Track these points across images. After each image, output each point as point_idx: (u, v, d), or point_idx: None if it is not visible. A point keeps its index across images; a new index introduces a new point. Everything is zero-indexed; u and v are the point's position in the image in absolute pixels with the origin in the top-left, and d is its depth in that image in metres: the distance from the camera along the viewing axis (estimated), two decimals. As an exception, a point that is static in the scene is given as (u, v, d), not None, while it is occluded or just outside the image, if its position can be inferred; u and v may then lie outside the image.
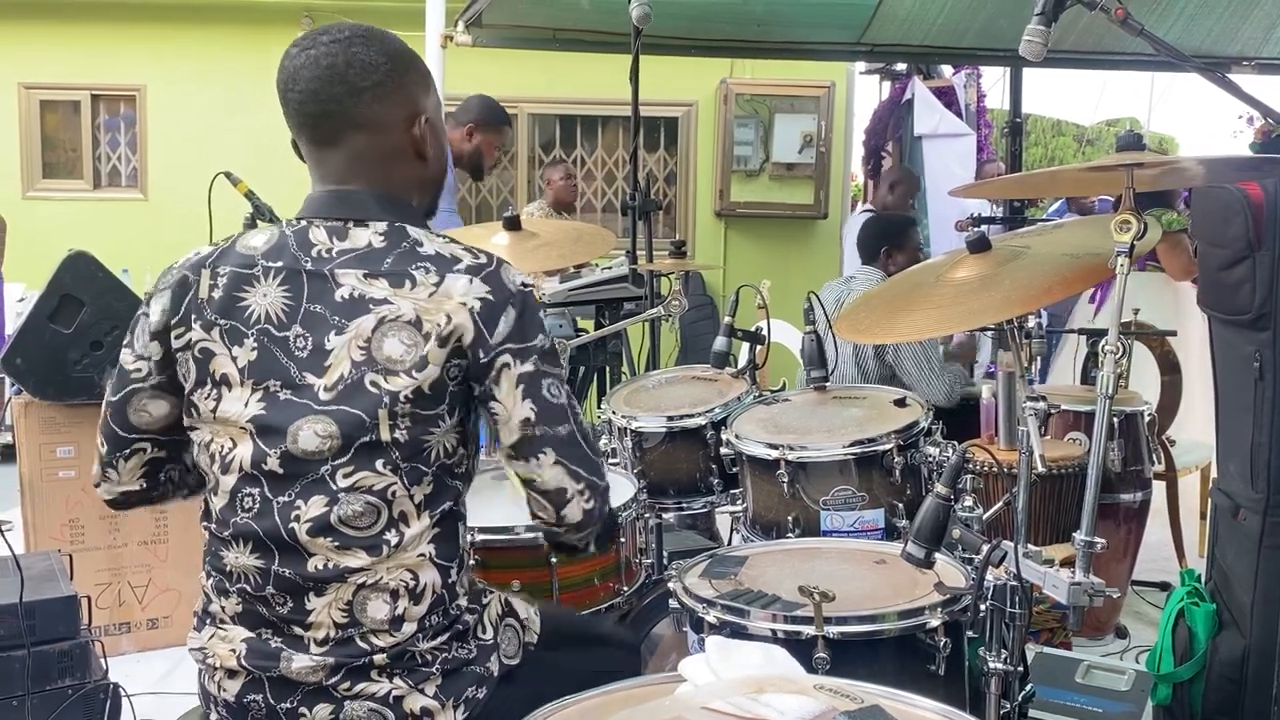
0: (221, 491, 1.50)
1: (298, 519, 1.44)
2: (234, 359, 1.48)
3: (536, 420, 1.47)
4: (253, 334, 1.47)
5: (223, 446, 1.49)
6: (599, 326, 4.06)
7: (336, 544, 1.44)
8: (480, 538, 1.93)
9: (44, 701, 2.34)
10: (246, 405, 1.47)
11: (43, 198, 7.20)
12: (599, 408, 2.84)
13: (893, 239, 3.90)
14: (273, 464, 1.45)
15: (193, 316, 1.50)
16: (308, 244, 1.49)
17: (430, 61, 4.90)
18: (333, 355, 1.44)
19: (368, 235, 1.49)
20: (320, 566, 1.45)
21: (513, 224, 2.64)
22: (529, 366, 1.47)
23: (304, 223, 1.52)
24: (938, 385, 3.56)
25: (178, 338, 1.51)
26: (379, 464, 1.44)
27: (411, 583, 1.46)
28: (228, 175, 3.07)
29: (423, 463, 1.46)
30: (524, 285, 1.49)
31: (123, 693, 2.46)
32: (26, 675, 2.31)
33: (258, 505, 1.46)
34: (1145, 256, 4.59)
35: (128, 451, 1.59)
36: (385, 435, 1.43)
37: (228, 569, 1.50)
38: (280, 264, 1.49)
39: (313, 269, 1.47)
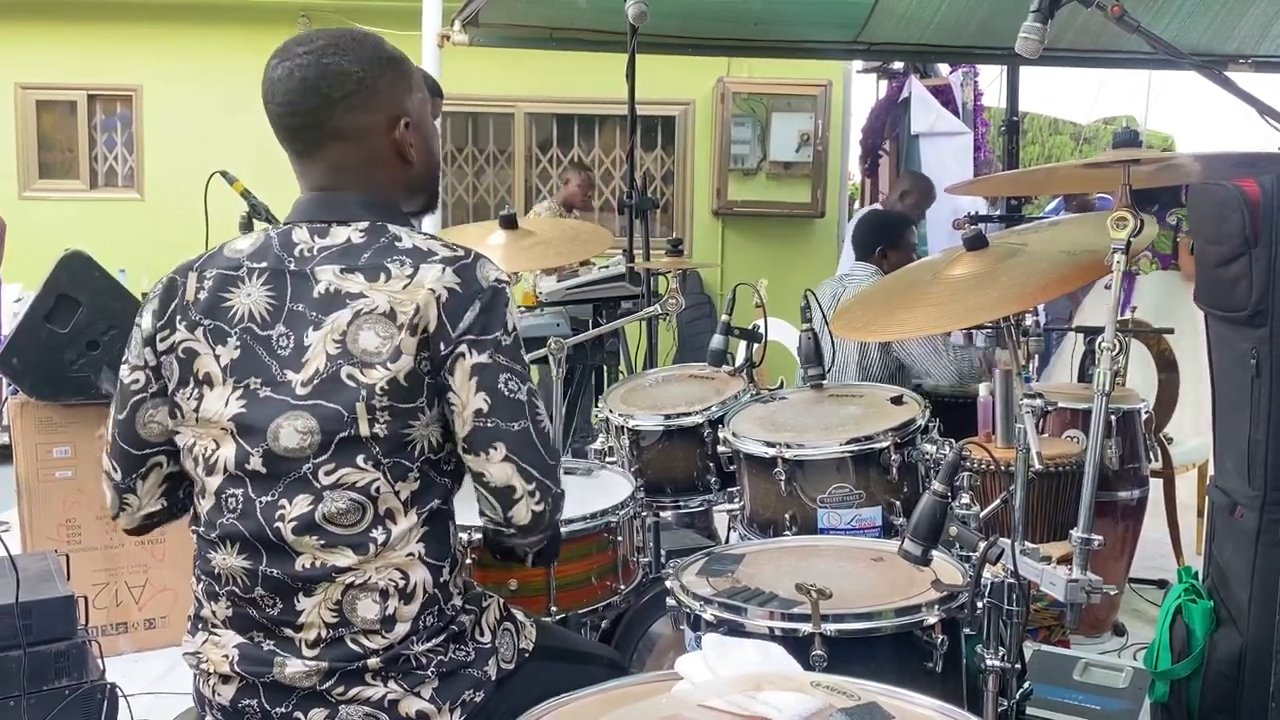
0: (207, 494, 1.49)
1: (282, 518, 1.44)
2: (217, 358, 1.48)
3: (489, 412, 1.45)
4: (236, 333, 1.47)
5: (206, 449, 1.49)
6: (596, 325, 4.05)
7: (322, 542, 1.43)
8: (477, 537, 1.92)
9: (41, 702, 2.34)
10: (227, 404, 1.46)
11: (39, 198, 7.19)
12: (596, 406, 2.83)
13: (889, 237, 3.89)
14: (255, 463, 1.45)
15: (178, 318, 1.50)
16: (290, 244, 1.50)
17: (427, 61, 4.90)
18: (310, 351, 1.44)
19: (348, 232, 1.49)
20: (308, 566, 1.44)
21: (509, 222, 2.64)
22: (484, 358, 1.44)
23: (289, 225, 1.52)
24: (948, 366, 3.54)
25: (163, 340, 1.51)
26: (360, 459, 1.43)
27: (401, 582, 1.45)
28: (224, 174, 3.07)
29: (406, 458, 1.45)
30: (499, 281, 1.47)
31: (120, 693, 2.46)
32: (23, 675, 2.30)
33: (241, 505, 1.46)
34: (1169, 254, 4.62)
35: (144, 469, 1.58)
36: (364, 430, 1.42)
37: (216, 572, 1.50)
38: (264, 264, 1.49)
39: (295, 269, 1.48)
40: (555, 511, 1.52)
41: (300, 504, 1.43)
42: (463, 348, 1.43)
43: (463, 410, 1.45)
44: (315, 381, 1.43)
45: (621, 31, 3.95)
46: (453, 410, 1.46)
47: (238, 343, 1.47)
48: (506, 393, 1.46)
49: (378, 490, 1.44)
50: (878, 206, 5.86)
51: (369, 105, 1.52)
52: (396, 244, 1.47)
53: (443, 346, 1.43)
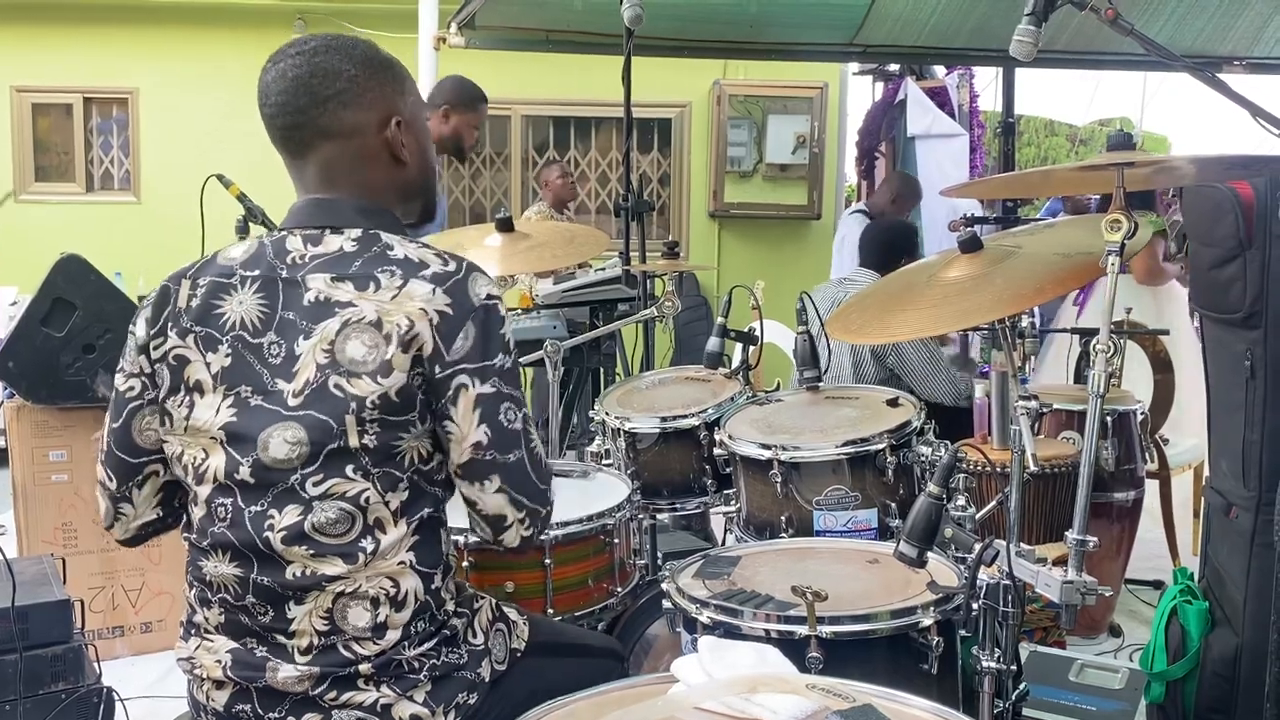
0: (199, 502, 1.49)
1: (271, 528, 1.43)
2: (208, 365, 1.47)
3: (488, 445, 1.45)
4: (227, 340, 1.47)
5: (195, 458, 1.48)
6: (593, 327, 4.06)
7: (312, 552, 1.43)
8: (474, 539, 1.92)
9: (37, 706, 2.33)
10: (218, 412, 1.46)
11: (35, 201, 7.18)
12: (593, 409, 2.83)
13: (909, 248, 3.84)
14: (245, 473, 1.44)
15: (169, 325, 1.50)
16: (284, 252, 1.49)
17: (423, 63, 4.91)
18: (300, 360, 1.43)
19: (340, 240, 1.48)
20: (298, 574, 1.44)
21: (505, 225, 2.64)
22: (488, 388, 1.44)
23: (284, 233, 1.52)
24: (945, 385, 3.54)
25: (156, 348, 1.51)
26: (349, 470, 1.42)
27: (392, 590, 1.45)
28: (220, 178, 3.07)
29: (396, 468, 1.45)
30: (490, 298, 1.47)
31: (116, 697, 2.45)
32: (19, 680, 2.30)
33: (231, 515, 1.45)
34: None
35: (140, 478, 1.57)
36: (354, 441, 1.41)
37: (208, 579, 1.50)
38: (257, 272, 1.48)
39: (287, 276, 1.47)
40: (543, 529, 1.55)
41: (290, 514, 1.43)
42: (463, 377, 1.43)
43: (461, 441, 1.45)
44: (306, 392, 1.42)
45: (617, 34, 3.95)
46: (449, 437, 1.45)
47: (228, 350, 1.47)
48: (505, 424, 1.46)
49: (367, 500, 1.43)
50: (864, 208, 5.85)
51: (360, 103, 1.52)
52: (388, 253, 1.46)
53: (438, 370, 1.42)
